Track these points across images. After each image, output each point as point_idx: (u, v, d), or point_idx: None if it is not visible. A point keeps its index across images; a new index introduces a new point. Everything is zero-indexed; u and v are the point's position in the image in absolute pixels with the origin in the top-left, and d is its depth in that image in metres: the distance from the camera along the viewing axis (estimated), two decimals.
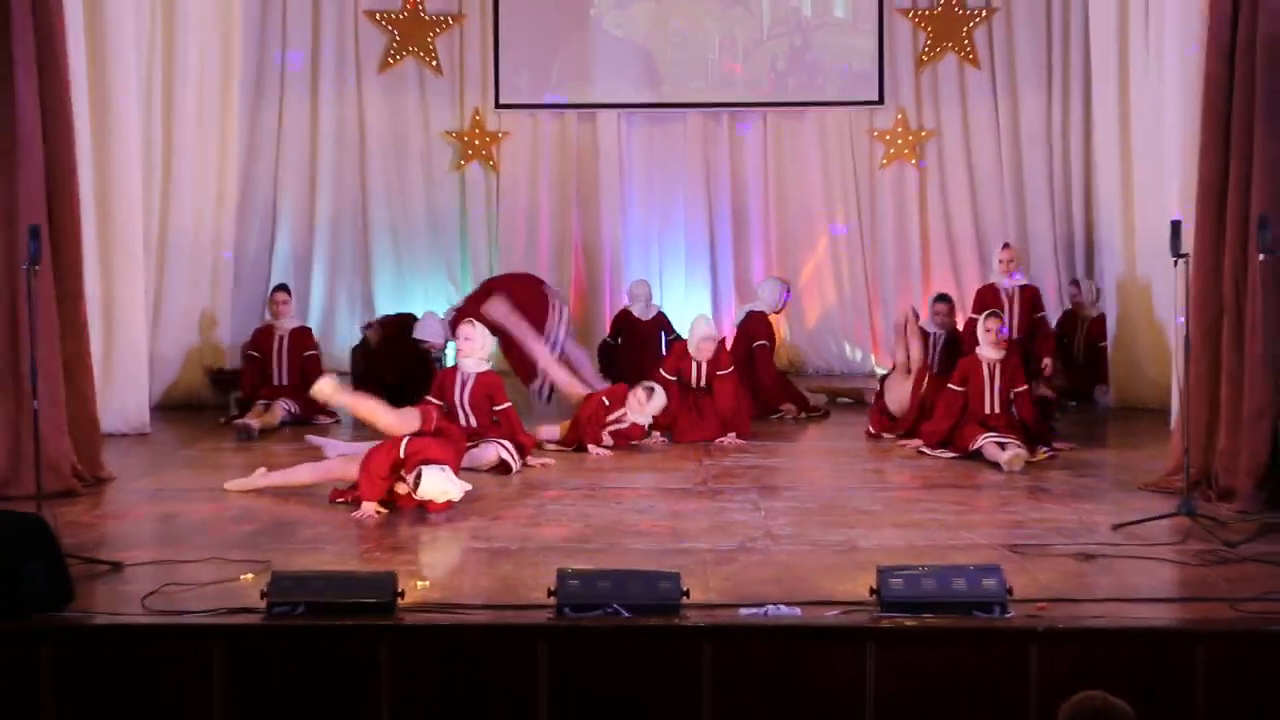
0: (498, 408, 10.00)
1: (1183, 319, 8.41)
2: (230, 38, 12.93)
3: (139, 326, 11.34)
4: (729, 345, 12.27)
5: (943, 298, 12.40)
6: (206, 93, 12.64)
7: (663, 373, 11.32)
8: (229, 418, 11.79)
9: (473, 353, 10.09)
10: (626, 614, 6.22)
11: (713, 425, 11.06)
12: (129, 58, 10.94)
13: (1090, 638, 6.13)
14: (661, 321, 13.37)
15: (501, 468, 9.76)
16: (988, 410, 10.29)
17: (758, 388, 12.22)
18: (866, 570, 6.71)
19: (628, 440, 10.76)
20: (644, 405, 10.77)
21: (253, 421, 11.27)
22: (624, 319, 13.51)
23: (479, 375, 10.07)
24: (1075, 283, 13.68)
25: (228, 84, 12.92)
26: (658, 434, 11.00)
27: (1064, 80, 14.88)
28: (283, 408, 11.70)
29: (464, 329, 10.24)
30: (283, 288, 12.43)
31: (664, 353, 12.37)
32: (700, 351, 11.38)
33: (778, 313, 12.99)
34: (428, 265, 15.33)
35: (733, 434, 11.02)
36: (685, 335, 12.05)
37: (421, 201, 15.37)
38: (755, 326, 12.57)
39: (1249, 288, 8.46)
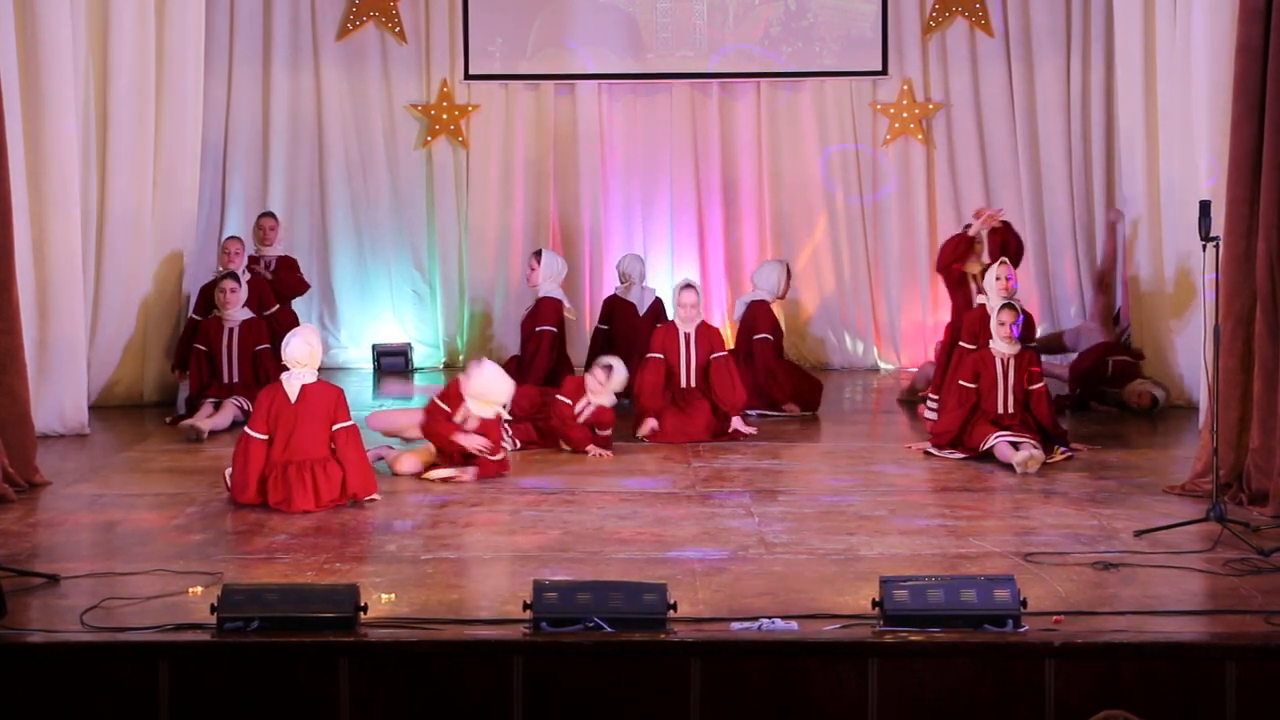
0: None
1: (1211, 295, 8.43)
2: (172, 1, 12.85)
3: (77, 317, 11.31)
4: (730, 340, 12.34)
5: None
6: (145, 63, 12.56)
7: (650, 354, 11.30)
8: (175, 418, 11.78)
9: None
10: (608, 629, 6.25)
11: (699, 423, 11.06)
12: (61, 23, 10.90)
13: (1111, 653, 6.17)
14: (658, 310, 13.27)
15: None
16: (1000, 409, 10.33)
17: (759, 385, 12.25)
18: (869, 581, 6.75)
19: (600, 426, 10.74)
20: (604, 384, 10.70)
21: (201, 423, 11.27)
22: (614, 303, 13.42)
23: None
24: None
25: (172, 53, 12.84)
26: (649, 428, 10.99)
27: (1084, 47, 14.89)
28: (234, 407, 11.68)
29: None
30: (231, 275, 12.40)
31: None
32: (684, 313, 11.32)
33: (780, 298, 12.99)
34: (392, 250, 15.31)
35: (737, 419, 11.03)
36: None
37: (384, 181, 15.34)
38: (756, 318, 12.58)
39: None
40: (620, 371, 10.74)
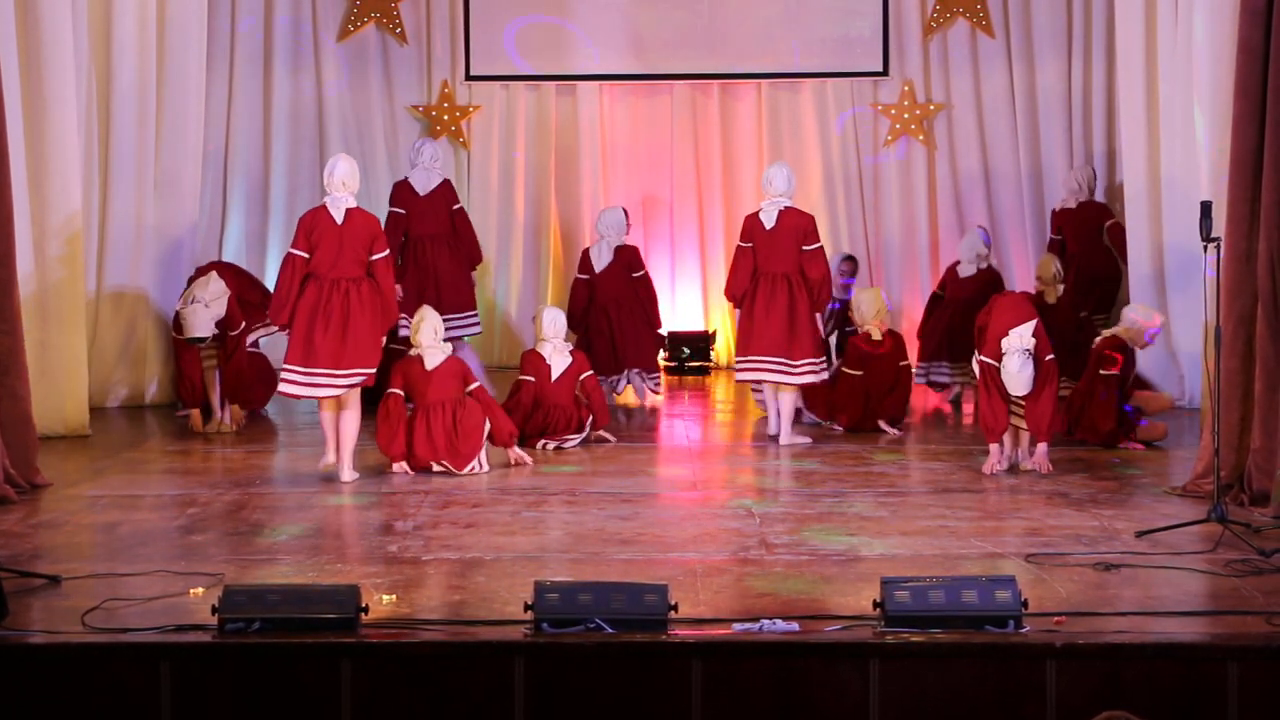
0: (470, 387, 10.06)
1: (1213, 294, 8.42)
2: (174, 2, 12.83)
3: (78, 318, 11.31)
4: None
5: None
6: (146, 64, 12.56)
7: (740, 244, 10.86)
8: (182, 415, 11.89)
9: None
10: (609, 629, 6.24)
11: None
12: (63, 24, 10.90)
13: (1113, 654, 6.16)
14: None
15: None
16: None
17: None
18: (870, 582, 6.75)
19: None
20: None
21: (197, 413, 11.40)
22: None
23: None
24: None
25: (173, 54, 12.82)
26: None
27: (1085, 47, 14.90)
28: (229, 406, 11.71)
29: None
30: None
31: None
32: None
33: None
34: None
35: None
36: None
37: (386, 182, 15.30)
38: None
39: None
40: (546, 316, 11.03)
